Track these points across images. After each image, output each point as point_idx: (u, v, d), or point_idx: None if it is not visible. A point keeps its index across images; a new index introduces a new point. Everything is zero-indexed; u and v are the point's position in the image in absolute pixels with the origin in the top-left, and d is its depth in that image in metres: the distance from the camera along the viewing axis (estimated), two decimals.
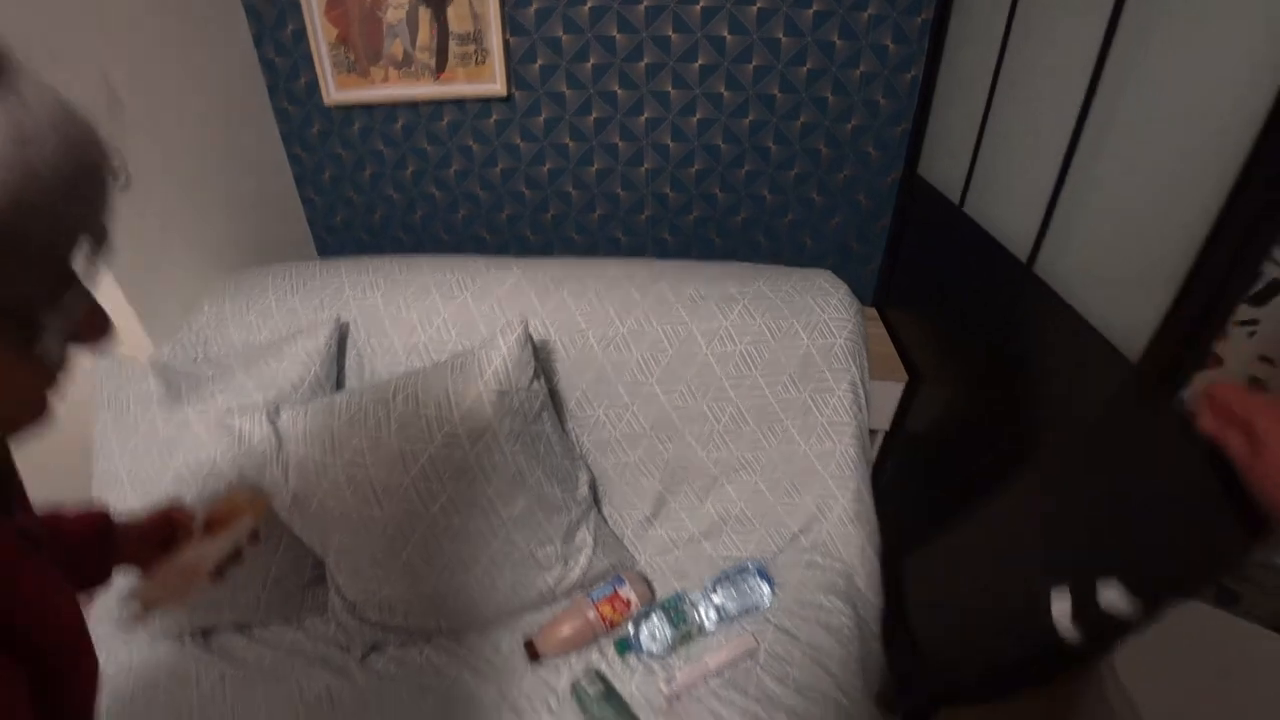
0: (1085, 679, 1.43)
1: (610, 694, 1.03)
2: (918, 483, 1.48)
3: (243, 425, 1.11)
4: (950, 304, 1.35)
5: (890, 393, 1.50)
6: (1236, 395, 0.51)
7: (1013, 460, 1.09)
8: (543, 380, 1.12)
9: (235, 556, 0.80)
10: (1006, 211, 1.12)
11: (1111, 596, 0.52)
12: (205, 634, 1.20)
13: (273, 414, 1.13)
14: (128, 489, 1.15)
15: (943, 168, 1.38)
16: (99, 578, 0.74)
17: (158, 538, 0.79)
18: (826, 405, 1.25)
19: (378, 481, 1.01)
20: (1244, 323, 1.27)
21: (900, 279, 1.62)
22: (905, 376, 1.50)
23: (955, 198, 1.30)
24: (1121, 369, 0.80)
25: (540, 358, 1.17)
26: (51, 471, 1.36)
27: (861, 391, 1.28)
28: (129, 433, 1.18)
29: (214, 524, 0.80)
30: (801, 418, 1.24)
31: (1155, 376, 0.76)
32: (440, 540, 1.03)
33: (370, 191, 1.74)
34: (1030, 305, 1.02)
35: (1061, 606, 0.55)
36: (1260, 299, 1.23)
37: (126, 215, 1.42)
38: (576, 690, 1.03)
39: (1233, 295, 0.69)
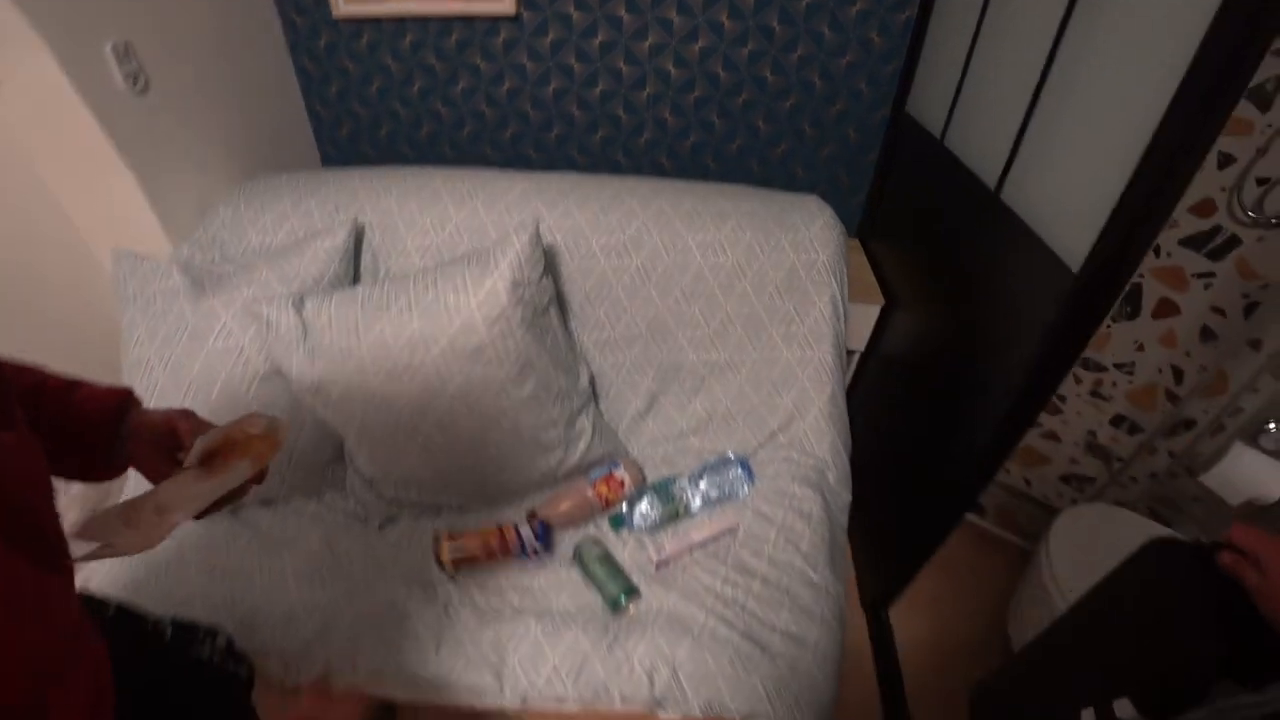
0: (1024, 573, 1.59)
1: (608, 557, 1.15)
2: (886, 401, 1.61)
3: (270, 313, 1.19)
4: (926, 232, 1.45)
5: (868, 315, 1.61)
6: (1247, 535, 0.60)
7: (968, 369, 1.21)
8: (550, 279, 1.21)
9: (231, 496, 0.66)
10: (980, 145, 1.21)
11: (1125, 710, 0.62)
12: (233, 509, 1.30)
13: (297, 303, 1.21)
14: (159, 372, 1.23)
15: (928, 105, 1.47)
16: (110, 463, 0.67)
17: (167, 444, 0.69)
18: (808, 316, 1.36)
19: (399, 363, 1.11)
20: (1201, 275, 1.39)
21: (884, 212, 1.71)
22: (882, 300, 1.61)
23: (937, 132, 1.38)
24: (1065, 279, 0.92)
25: (547, 260, 1.25)
26: (81, 363, 1.44)
27: (840, 306, 1.39)
28: (157, 322, 1.25)
29: (213, 456, 0.66)
30: (785, 326, 1.35)
31: (1088, 282, 0.88)
32: (455, 419, 1.13)
33: (377, 105, 1.78)
34: (995, 229, 1.12)
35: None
36: (1217, 254, 1.35)
37: (145, 117, 1.48)
38: (579, 551, 1.16)
39: (1154, 221, 0.81)
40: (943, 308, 1.34)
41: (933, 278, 1.40)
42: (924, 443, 1.41)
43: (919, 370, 1.45)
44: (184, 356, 1.22)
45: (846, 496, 1.34)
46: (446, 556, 1.14)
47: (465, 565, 1.16)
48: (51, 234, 1.38)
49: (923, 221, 1.47)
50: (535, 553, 1.17)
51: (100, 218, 1.40)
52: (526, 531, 1.16)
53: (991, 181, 1.14)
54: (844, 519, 1.33)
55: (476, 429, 1.14)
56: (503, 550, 1.16)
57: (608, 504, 1.23)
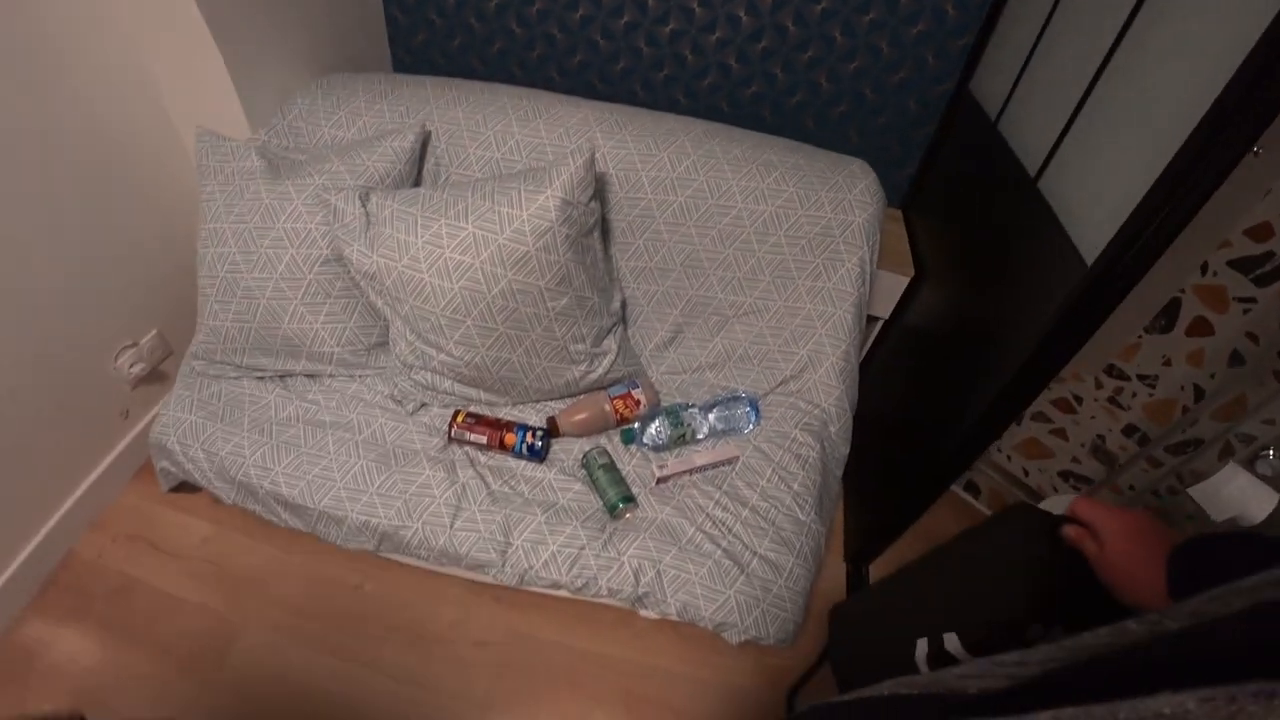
0: None
1: (612, 466, 1.25)
2: (900, 370, 1.66)
3: (337, 201, 1.28)
4: (963, 211, 1.47)
5: (896, 285, 1.65)
6: (1088, 508, 0.62)
7: (977, 347, 1.25)
8: (598, 204, 1.27)
9: None
10: (1029, 132, 1.23)
11: (952, 644, 0.65)
12: (282, 377, 1.41)
13: (363, 195, 1.29)
14: (231, 244, 1.33)
15: (989, 85, 1.46)
16: None
17: None
18: (835, 274, 1.41)
19: (452, 260, 1.19)
20: (1243, 299, 1.38)
21: (928, 186, 1.73)
22: (912, 272, 1.64)
23: (993, 114, 1.39)
24: (1079, 270, 0.95)
25: (598, 185, 1.31)
26: (159, 229, 1.55)
27: (867, 270, 1.43)
28: (233, 198, 1.34)
29: None
30: (811, 280, 1.40)
31: (1098, 277, 0.91)
32: (494, 319, 1.21)
33: (453, 17, 1.82)
34: (1027, 216, 1.15)
35: (921, 650, 0.67)
36: (1264, 280, 1.33)
37: (239, 3, 1.52)
38: (586, 458, 1.25)
39: (1167, 226, 0.84)
40: (966, 286, 1.37)
41: (962, 256, 1.43)
42: (924, 413, 1.46)
43: (934, 343, 1.49)
44: (255, 232, 1.31)
45: (844, 449, 1.41)
46: (455, 424, 1.25)
47: (471, 445, 1.27)
48: (142, 108, 1.47)
49: (962, 200, 1.49)
50: (528, 459, 1.27)
51: (187, 96, 1.48)
52: (522, 437, 1.26)
53: (1033, 169, 1.17)
54: (839, 471, 1.41)
55: (512, 331, 1.23)
56: (501, 447, 1.26)
57: (622, 419, 1.32)
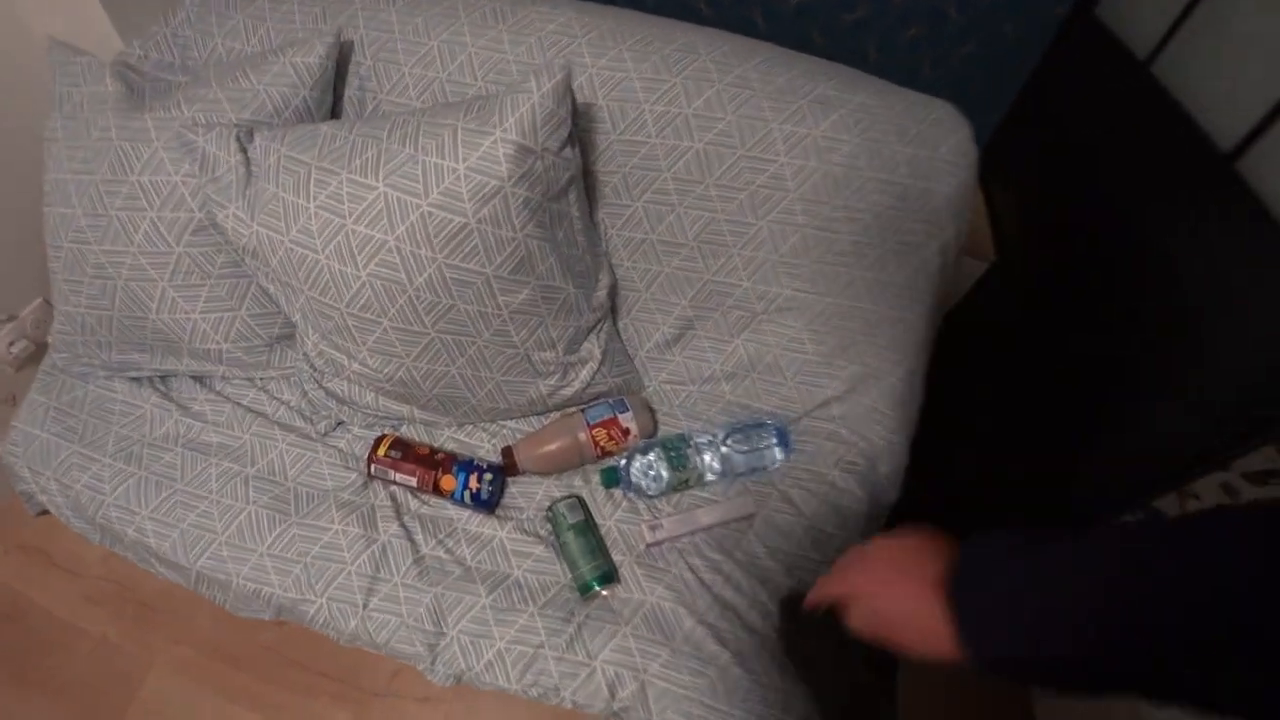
0: None
1: (587, 527, 0.86)
2: (970, 376, 1.24)
3: (207, 145, 0.85)
4: (1086, 185, 1.02)
5: (970, 270, 1.21)
6: (827, 584, 0.54)
7: (1103, 367, 0.83)
8: (578, 151, 0.84)
9: None
10: (1217, 89, 0.77)
11: None
12: (164, 379, 1.02)
13: (244, 137, 0.86)
14: (75, 204, 0.91)
15: (1135, 12, 0.98)
16: None
17: None
18: (907, 264, 0.97)
19: (357, 236, 0.77)
20: None
21: (1020, 142, 1.25)
22: (992, 256, 1.20)
23: (1142, 53, 0.92)
24: None
25: (579, 124, 0.87)
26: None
27: (949, 261, 0.99)
28: (79, 139, 0.91)
29: None
30: (874, 270, 0.97)
31: None
32: (422, 319, 0.80)
33: None
34: (1218, 205, 0.72)
35: None
36: None
37: None
38: (553, 512, 0.87)
39: None
40: (1097, 285, 0.94)
41: (1086, 244, 0.98)
42: (1030, 449, 1.05)
43: (1036, 354, 1.07)
44: (104, 187, 0.89)
45: (893, 496, 1.01)
46: (376, 458, 0.88)
47: (397, 486, 0.89)
48: None
49: (1084, 170, 1.03)
50: (472, 509, 0.89)
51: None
52: (463, 481, 0.86)
53: (1226, 144, 0.72)
54: (879, 525, 1.01)
55: (448, 336, 0.82)
56: (435, 491, 0.88)
57: (603, 454, 0.92)
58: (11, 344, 1.25)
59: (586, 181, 0.92)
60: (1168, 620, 0.34)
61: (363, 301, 0.79)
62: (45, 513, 1.05)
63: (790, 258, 0.97)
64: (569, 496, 0.88)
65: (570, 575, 0.84)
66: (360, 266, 0.77)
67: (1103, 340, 0.93)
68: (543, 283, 0.82)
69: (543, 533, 0.88)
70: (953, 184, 0.96)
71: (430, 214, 0.75)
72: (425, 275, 0.77)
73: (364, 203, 0.76)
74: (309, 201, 0.78)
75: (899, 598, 0.45)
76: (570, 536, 0.83)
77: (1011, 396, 1.16)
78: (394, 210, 0.75)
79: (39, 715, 1.17)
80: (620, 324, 1.00)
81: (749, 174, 0.94)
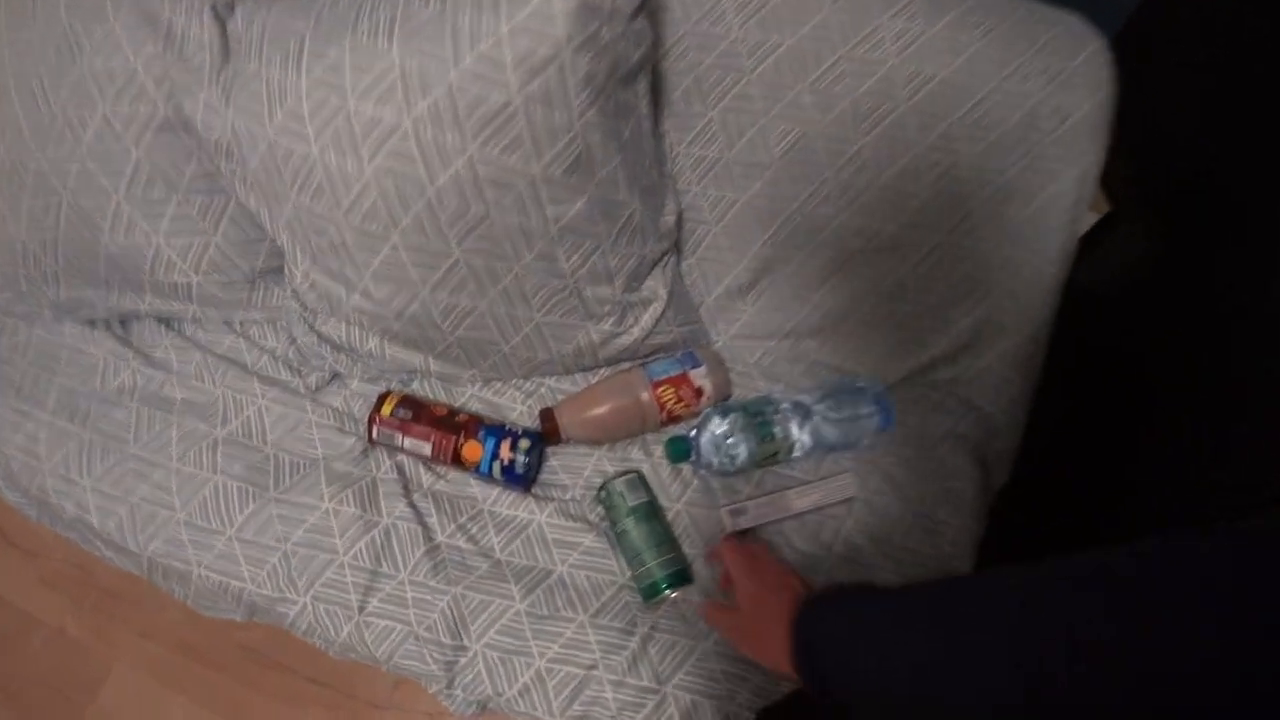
0: None
1: (653, 510, 0.66)
2: (1073, 362, 1.04)
3: (175, 19, 0.65)
4: (1233, 113, 0.82)
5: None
6: (731, 551, 0.58)
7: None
8: (650, 28, 0.64)
9: None
10: None
11: None
12: (124, 322, 0.82)
13: (222, 9, 0.66)
14: (14, 97, 0.71)
15: None
16: None
17: None
18: (1036, 196, 0.77)
19: (361, 117, 0.57)
20: None
21: (1152, 62, 1.03)
22: (1104, 207, 1.00)
23: None
24: None
25: (649, 5, 0.67)
26: None
27: (1087, 191, 0.79)
28: (20, 23, 0.71)
29: None
30: (996, 203, 0.77)
31: None
32: (445, 232, 0.60)
33: None
34: None
35: None
36: None
37: None
38: (608, 492, 0.66)
39: None
40: (1223, 251, 0.74)
41: (1236, 196, 0.78)
42: (1157, 448, 0.85)
43: (1147, 324, 0.87)
44: (48, 75, 0.69)
45: (1002, 478, 0.81)
46: (380, 419, 0.68)
47: (406, 455, 0.69)
48: None
49: (1230, 91, 0.83)
50: (503, 485, 0.68)
51: None
52: (492, 448, 0.66)
53: None
54: (987, 513, 0.82)
55: (477, 259, 0.62)
56: (455, 461, 0.68)
57: (670, 419, 0.72)
58: None
59: (655, 76, 0.72)
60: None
61: (367, 208, 0.59)
62: None
63: (893, 184, 0.76)
64: (627, 472, 0.67)
65: (631, 573, 0.64)
66: (364, 159, 0.57)
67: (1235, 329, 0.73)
68: (603, 193, 0.61)
69: (593, 517, 0.67)
70: (1092, 101, 0.76)
71: (461, 87, 0.54)
72: (451, 172, 0.57)
73: (371, 74, 0.56)
74: (300, 77, 0.58)
75: (770, 614, 0.48)
76: (631, 523, 0.63)
77: (1105, 384, 0.96)
78: (412, 82, 0.55)
79: None
80: (683, 265, 0.80)
81: (851, 79, 0.74)
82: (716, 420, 0.69)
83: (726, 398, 0.75)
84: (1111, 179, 0.90)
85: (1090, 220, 1.04)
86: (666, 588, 0.62)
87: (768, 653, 0.46)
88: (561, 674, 0.60)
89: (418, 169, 0.57)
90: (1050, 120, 0.76)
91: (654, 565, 0.62)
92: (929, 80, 0.74)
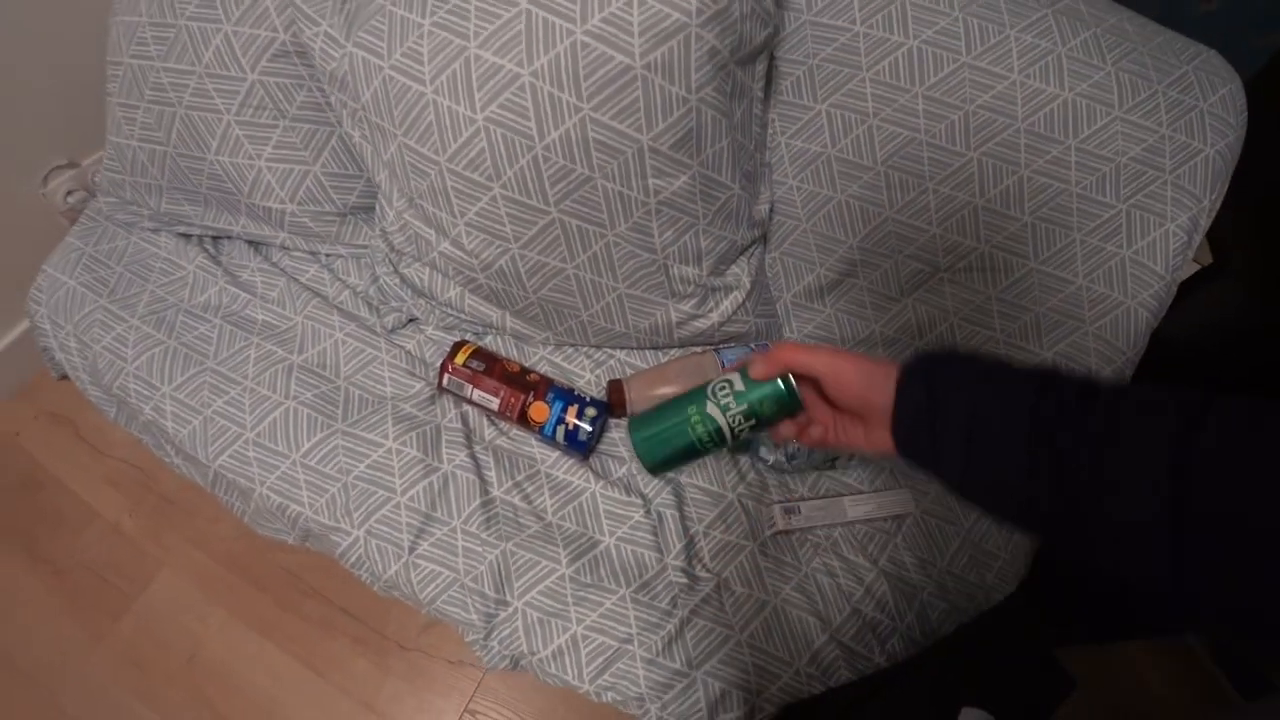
0: None
1: (711, 447, 0.59)
2: None
3: None
4: None
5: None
6: (793, 353, 0.44)
7: None
8: (778, 10, 0.60)
9: None
10: None
11: None
12: (216, 240, 0.82)
13: None
14: (142, 11, 0.70)
15: None
16: None
17: None
18: (1144, 234, 0.71)
19: (481, 64, 0.55)
20: None
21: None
22: (1208, 258, 0.93)
23: None
24: None
25: None
26: None
27: (1197, 238, 0.73)
28: None
29: None
30: (1100, 238, 0.71)
31: None
32: (547, 189, 0.58)
33: None
34: None
35: None
36: None
37: None
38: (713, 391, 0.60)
39: None
40: None
41: None
42: None
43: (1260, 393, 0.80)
44: None
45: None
46: (452, 366, 0.65)
47: (472, 406, 0.67)
48: None
49: None
50: (564, 450, 0.66)
51: None
52: (558, 411, 0.63)
53: None
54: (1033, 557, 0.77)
55: (574, 220, 0.59)
56: (521, 420, 0.66)
57: None
58: (69, 193, 1.07)
59: (770, 64, 0.68)
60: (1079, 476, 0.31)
61: (472, 155, 0.57)
62: (65, 377, 0.87)
63: (998, 205, 0.72)
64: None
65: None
66: (477, 106, 0.55)
67: None
68: (707, 172, 0.58)
69: (647, 492, 0.65)
70: (1222, 143, 0.70)
71: (585, 45, 0.52)
72: (562, 130, 0.54)
73: (497, 21, 0.54)
74: (424, 17, 0.56)
75: (871, 378, 0.41)
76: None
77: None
78: (536, 34, 0.53)
79: (40, 593, 1.00)
80: (768, 257, 0.76)
81: (970, 89, 0.69)
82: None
83: None
84: (1219, 228, 0.84)
85: (1190, 269, 0.98)
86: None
87: (876, 381, 0.40)
88: (596, 643, 0.58)
89: (529, 123, 0.54)
90: (1172, 159, 0.70)
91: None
92: (1050, 100, 0.69)
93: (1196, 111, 0.71)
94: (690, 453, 0.50)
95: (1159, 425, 0.30)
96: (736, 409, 0.47)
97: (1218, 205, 0.74)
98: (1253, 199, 0.86)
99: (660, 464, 0.51)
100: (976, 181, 0.71)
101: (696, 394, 0.49)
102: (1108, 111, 0.69)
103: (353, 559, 0.63)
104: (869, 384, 0.41)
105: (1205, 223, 0.74)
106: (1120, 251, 0.73)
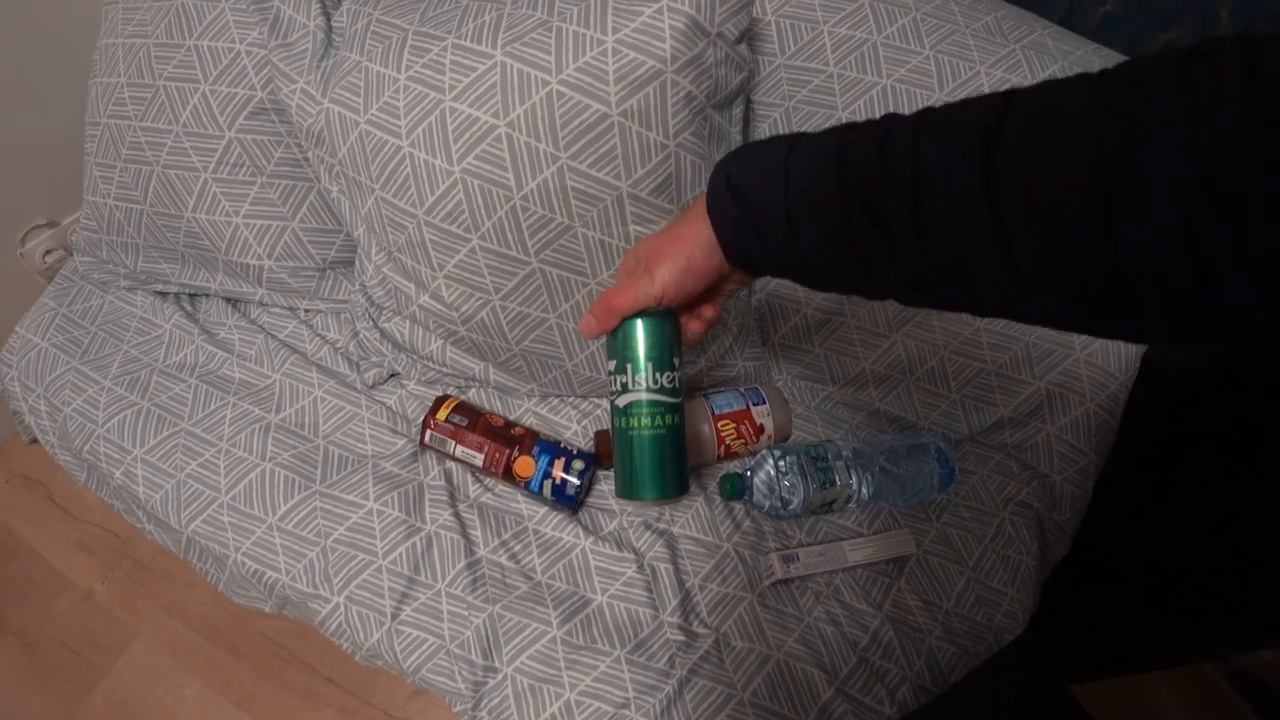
0: None
1: (680, 420, 0.47)
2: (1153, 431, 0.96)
3: (283, 8, 0.64)
4: None
5: None
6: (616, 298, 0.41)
7: None
8: (751, 55, 0.61)
9: None
10: None
11: None
12: (193, 299, 0.81)
13: (330, 1, 0.65)
14: (121, 71, 0.70)
15: None
16: None
17: None
18: None
19: (456, 116, 0.54)
20: None
21: None
22: None
23: None
24: None
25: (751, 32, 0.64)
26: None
27: None
28: None
29: None
30: None
31: None
32: (527, 239, 0.57)
33: None
34: None
35: None
36: None
37: None
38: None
39: None
40: None
41: None
42: (1230, 541, 0.78)
43: (1254, 420, 0.80)
44: (155, 52, 0.68)
45: (1060, 551, 0.74)
46: (434, 422, 0.63)
47: (455, 463, 0.64)
48: None
49: None
50: (551, 505, 0.64)
51: None
52: (545, 465, 0.61)
53: None
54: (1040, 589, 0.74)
55: (554, 271, 0.58)
56: (506, 474, 0.63)
57: (727, 454, 0.67)
58: (48, 253, 1.06)
59: (746, 108, 0.69)
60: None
61: (450, 207, 0.56)
62: (36, 440, 0.84)
63: None
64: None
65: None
66: (454, 159, 0.54)
67: None
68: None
69: (639, 546, 0.62)
70: None
71: (561, 94, 0.52)
72: (540, 180, 0.53)
73: (471, 74, 0.53)
74: (399, 72, 0.56)
75: (674, 239, 0.39)
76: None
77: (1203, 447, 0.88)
78: (511, 85, 0.52)
79: (7, 666, 0.95)
80: (753, 300, 0.76)
81: None
82: (775, 460, 0.64)
83: (786, 438, 0.70)
84: None
85: None
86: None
87: (684, 235, 0.38)
88: (591, 709, 0.54)
89: (506, 174, 0.54)
90: None
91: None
92: None
93: None
94: (668, 446, 0.44)
95: (969, 117, 0.30)
96: (637, 375, 0.43)
97: None
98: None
99: (672, 482, 0.45)
100: None
101: (613, 413, 0.46)
102: None
103: (333, 627, 0.60)
104: (689, 241, 0.39)
105: None
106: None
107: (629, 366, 0.43)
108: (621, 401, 0.44)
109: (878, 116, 0.35)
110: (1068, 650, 0.71)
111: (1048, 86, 0.28)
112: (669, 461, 0.45)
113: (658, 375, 0.42)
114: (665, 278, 0.39)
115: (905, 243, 0.31)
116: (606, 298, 0.41)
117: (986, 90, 0.70)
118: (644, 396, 0.43)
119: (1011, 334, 0.73)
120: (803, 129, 0.70)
